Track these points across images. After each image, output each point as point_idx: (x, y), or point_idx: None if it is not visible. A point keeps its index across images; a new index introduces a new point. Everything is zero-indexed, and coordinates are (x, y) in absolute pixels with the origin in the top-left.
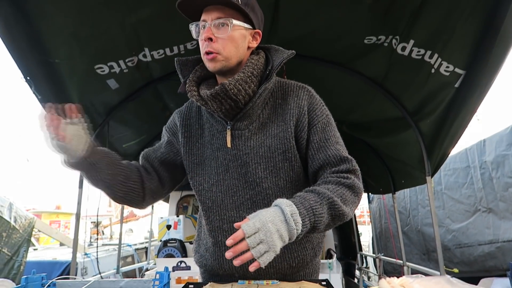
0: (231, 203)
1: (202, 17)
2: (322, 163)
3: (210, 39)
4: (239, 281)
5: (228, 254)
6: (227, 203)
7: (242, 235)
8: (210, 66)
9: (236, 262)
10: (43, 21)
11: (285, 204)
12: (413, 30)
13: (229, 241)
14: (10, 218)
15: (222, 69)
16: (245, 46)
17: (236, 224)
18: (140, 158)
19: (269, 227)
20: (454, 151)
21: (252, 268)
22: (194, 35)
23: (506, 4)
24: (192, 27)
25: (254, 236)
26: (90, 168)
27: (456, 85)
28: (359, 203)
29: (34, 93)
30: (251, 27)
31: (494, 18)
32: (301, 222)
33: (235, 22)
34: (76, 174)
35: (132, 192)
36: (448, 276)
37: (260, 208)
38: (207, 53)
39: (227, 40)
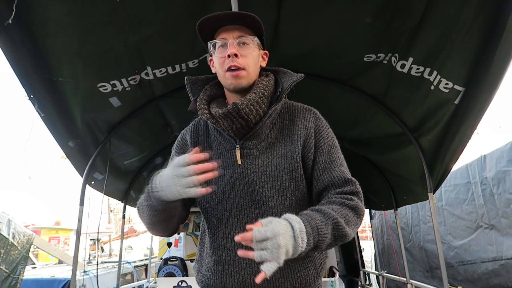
0: (236, 221)
1: (222, 36)
2: (327, 184)
3: (236, 55)
4: None
5: (237, 238)
6: (232, 222)
7: (251, 238)
8: (234, 83)
9: (240, 253)
10: (47, 40)
11: (295, 220)
12: (412, 48)
13: (237, 238)
14: (9, 235)
15: (245, 86)
16: (259, 65)
17: (248, 226)
18: None
19: (279, 239)
20: (454, 167)
21: (258, 279)
22: (212, 53)
23: (504, 21)
24: (211, 45)
25: (261, 243)
26: (171, 208)
27: (456, 102)
28: (360, 224)
29: (37, 111)
30: (262, 48)
31: (492, 35)
32: (306, 241)
33: (256, 40)
34: (78, 192)
35: (176, 225)
36: None
37: None
38: (232, 69)
39: (249, 58)
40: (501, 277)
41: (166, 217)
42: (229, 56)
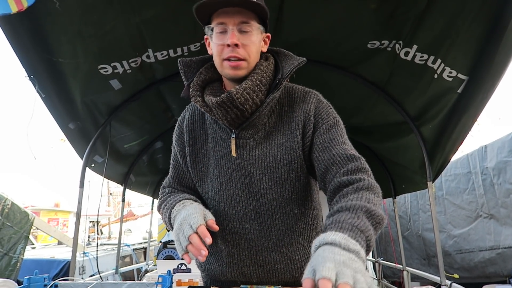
0: (233, 214)
1: (221, 19)
2: (327, 164)
3: (236, 45)
4: (242, 285)
5: None
6: (230, 214)
7: (329, 284)
8: (232, 73)
9: None
10: (48, 20)
11: (333, 237)
12: (417, 35)
13: None
14: (1, 214)
15: (245, 76)
16: (259, 50)
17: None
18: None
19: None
20: (455, 157)
21: None
22: (209, 35)
23: (510, 11)
24: (209, 30)
25: (342, 272)
26: None
27: (459, 91)
28: (381, 203)
29: (38, 91)
30: (264, 31)
31: (498, 24)
32: (359, 244)
33: (260, 28)
34: (78, 174)
35: None
36: None
37: (263, 219)
38: (231, 59)
39: (251, 47)
40: (497, 266)
41: None
42: (228, 45)
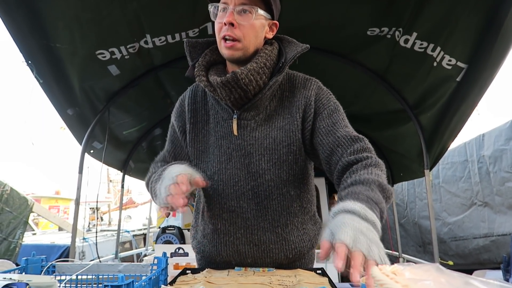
0: (232, 192)
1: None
2: (332, 146)
3: (232, 24)
4: (236, 267)
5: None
6: (228, 193)
7: (345, 248)
8: (227, 53)
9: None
10: (45, 5)
11: (352, 206)
12: (417, 23)
13: (339, 264)
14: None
15: (240, 58)
16: (262, 36)
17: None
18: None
19: (371, 246)
20: (452, 145)
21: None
22: (212, 17)
23: (509, 0)
24: (211, 9)
25: (358, 240)
26: None
27: (458, 79)
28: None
29: (35, 77)
30: (270, 17)
31: (497, 12)
32: (374, 215)
33: (260, 11)
34: (78, 161)
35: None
36: (438, 264)
37: (261, 199)
38: (226, 38)
39: (248, 28)
40: (490, 253)
41: None
42: (225, 24)
